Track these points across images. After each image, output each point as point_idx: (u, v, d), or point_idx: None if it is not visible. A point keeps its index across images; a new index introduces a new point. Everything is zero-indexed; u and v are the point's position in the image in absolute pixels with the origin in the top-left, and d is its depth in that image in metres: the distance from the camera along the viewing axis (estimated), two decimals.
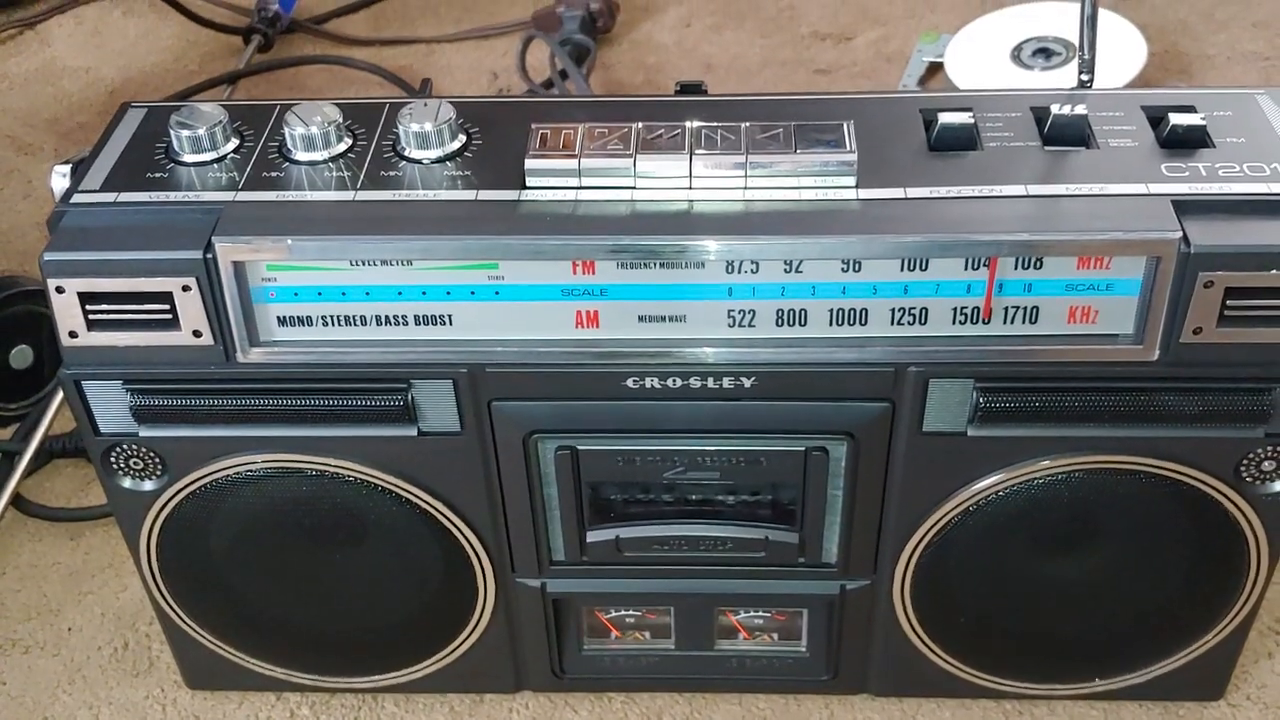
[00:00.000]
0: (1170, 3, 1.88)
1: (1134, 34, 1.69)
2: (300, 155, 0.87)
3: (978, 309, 0.83)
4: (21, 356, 1.36)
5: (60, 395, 1.32)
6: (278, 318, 0.86)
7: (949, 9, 1.90)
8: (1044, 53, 1.70)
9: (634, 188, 0.84)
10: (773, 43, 1.90)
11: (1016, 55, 1.71)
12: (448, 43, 1.95)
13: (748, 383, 0.87)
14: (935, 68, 1.79)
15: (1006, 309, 0.84)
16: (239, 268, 0.83)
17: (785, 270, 0.83)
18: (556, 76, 1.77)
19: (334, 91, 1.85)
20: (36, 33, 2.02)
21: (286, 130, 0.87)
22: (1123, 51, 1.66)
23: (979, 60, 1.74)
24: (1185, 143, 0.86)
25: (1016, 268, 0.82)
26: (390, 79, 1.84)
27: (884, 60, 1.84)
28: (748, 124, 0.85)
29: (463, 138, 0.88)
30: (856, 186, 0.83)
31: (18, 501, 1.28)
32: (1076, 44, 0.93)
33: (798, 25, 1.93)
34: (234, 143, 0.89)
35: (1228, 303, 0.81)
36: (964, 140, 0.86)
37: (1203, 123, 0.86)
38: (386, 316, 0.86)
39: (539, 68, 1.82)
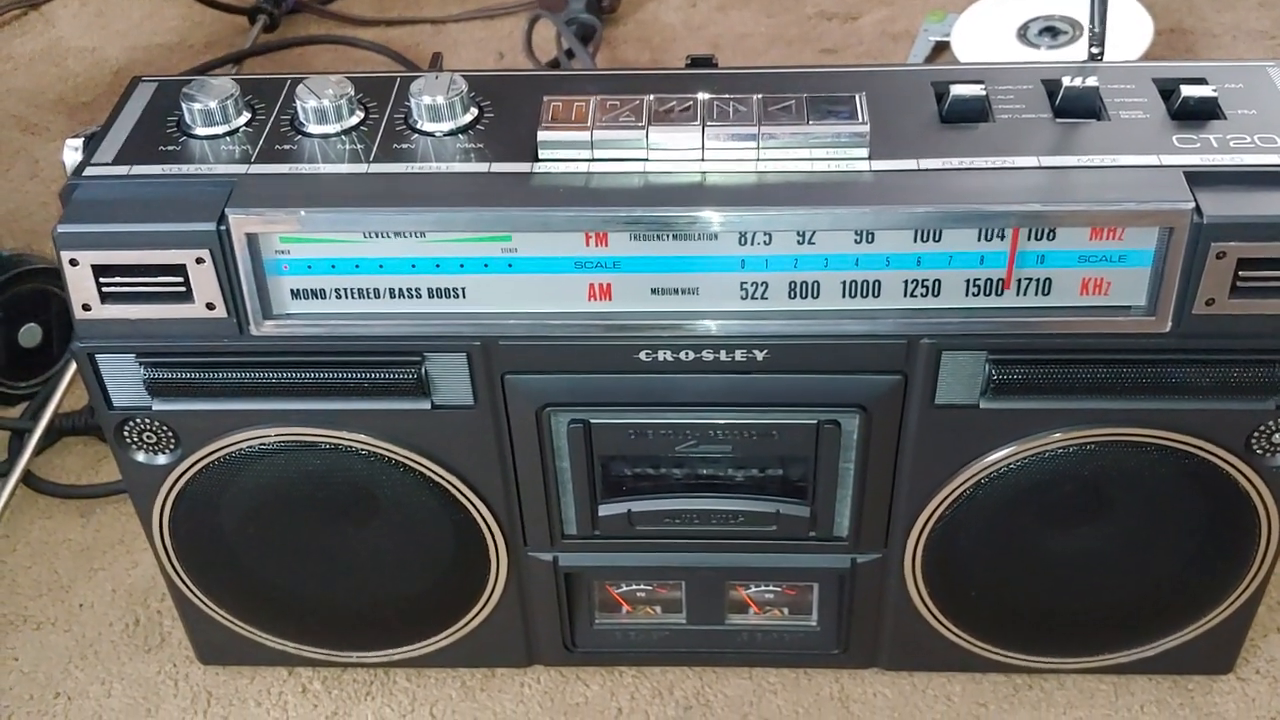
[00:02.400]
0: None
1: (1141, 12, 1.68)
2: (313, 128, 0.87)
3: (991, 280, 0.84)
4: (30, 335, 1.36)
5: (69, 373, 1.32)
6: (291, 290, 0.86)
7: None
8: (1050, 31, 1.69)
9: (646, 159, 0.84)
10: (779, 22, 1.90)
11: (1023, 34, 1.71)
12: (453, 22, 1.95)
13: (760, 355, 0.87)
14: (942, 47, 1.79)
15: (1020, 280, 0.84)
16: (252, 240, 0.83)
17: (798, 242, 0.83)
18: (563, 56, 1.77)
19: (340, 71, 1.85)
20: (41, 13, 2.02)
21: (298, 103, 0.87)
22: (1129, 30, 1.66)
23: (985, 39, 1.73)
24: (1197, 114, 0.86)
25: (1029, 239, 0.82)
26: (396, 59, 1.84)
27: (890, 40, 1.84)
28: (759, 96, 0.85)
29: (475, 111, 0.88)
30: (869, 158, 0.83)
31: (28, 479, 1.28)
32: (1082, 23, 0.93)
33: (804, 5, 1.93)
34: (246, 116, 0.89)
35: (1240, 274, 0.81)
36: (976, 112, 0.86)
37: (1214, 94, 0.86)
38: (400, 289, 0.86)
39: (545, 47, 1.82)
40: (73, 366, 1.29)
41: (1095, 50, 0.92)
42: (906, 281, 0.84)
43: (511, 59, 1.86)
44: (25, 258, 1.36)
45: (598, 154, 0.84)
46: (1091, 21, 0.92)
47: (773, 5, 1.93)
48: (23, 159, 1.73)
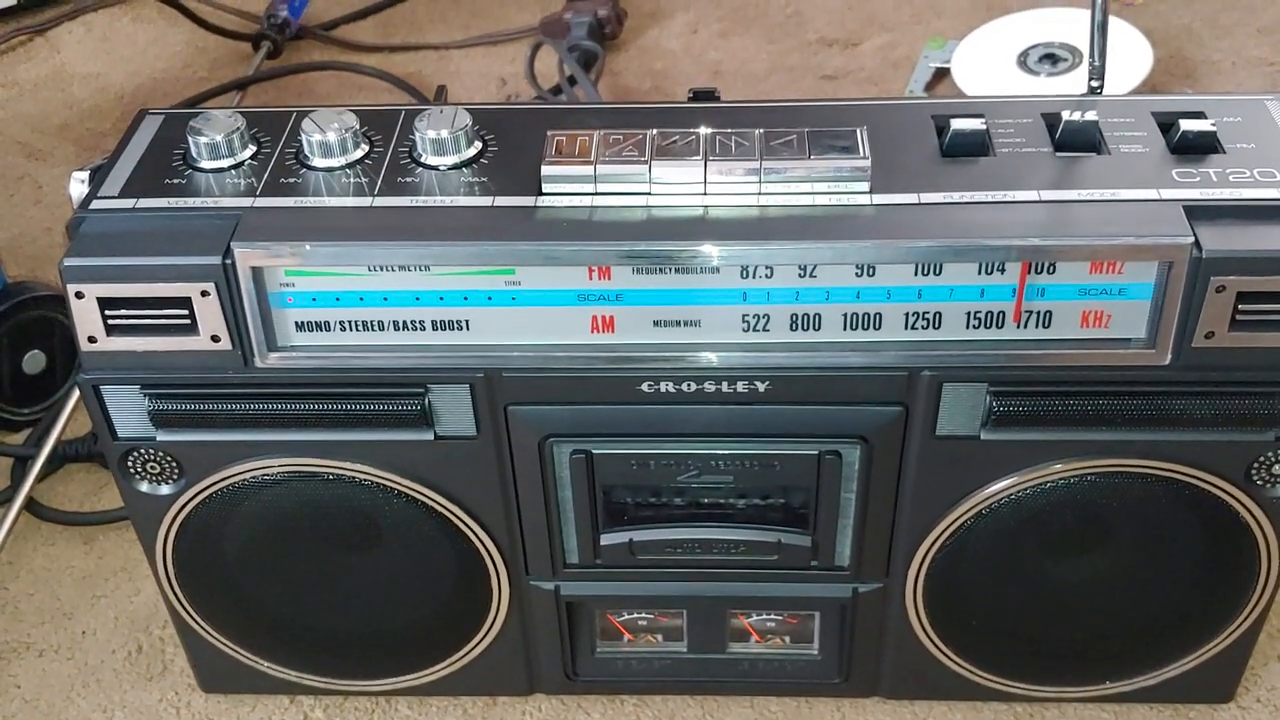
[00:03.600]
0: (1175, 9, 1.89)
1: (1140, 40, 1.69)
2: (317, 162, 0.88)
3: (991, 313, 0.84)
4: (34, 361, 1.36)
5: (73, 400, 1.32)
6: (295, 323, 0.86)
7: (955, 15, 1.91)
8: (1050, 58, 1.70)
9: (649, 193, 0.85)
10: (780, 48, 1.91)
11: (1023, 61, 1.72)
12: (456, 49, 1.96)
13: (762, 387, 0.88)
14: (942, 73, 1.80)
15: (1020, 313, 0.84)
16: (257, 273, 0.83)
17: (799, 275, 0.84)
18: (565, 83, 1.78)
19: (343, 97, 1.86)
20: (46, 39, 2.03)
21: (304, 137, 0.88)
22: (1129, 58, 1.67)
23: (985, 66, 1.74)
24: (1196, 148, 0.86)
25: (1030, 272, 0.82)
26: (399, 85, 1.85)
27: (891, 66, 1.85)
28: (761, 130, 0.86)
29: (479, 144, 0.89)
30: (870, 192, 0.84)
31: (31, 505, 1.28)
32: (1082, 50, 0.94)
33: (804, 31, 1.94)
34: (251, 149, 0.89)
35: (1239, 307, 0.82)
36: (976, 146, 0.87)
37: (1213, 128, 0.86)
38: (404, 322, 0.86)
39: (547, 74, 1.83)
40: (76, 393, 1.30)
41: (1095, 84, 0.93)
42: (907, 314, 0.85)
43: (514, 85, 1.87)
44: (29, 285, 1.36)
45: (601, 188, 0.85)
46: (1091, 55, 0.92)
47: (774, 31, 1.94)
48: (27, 185, 1.74)
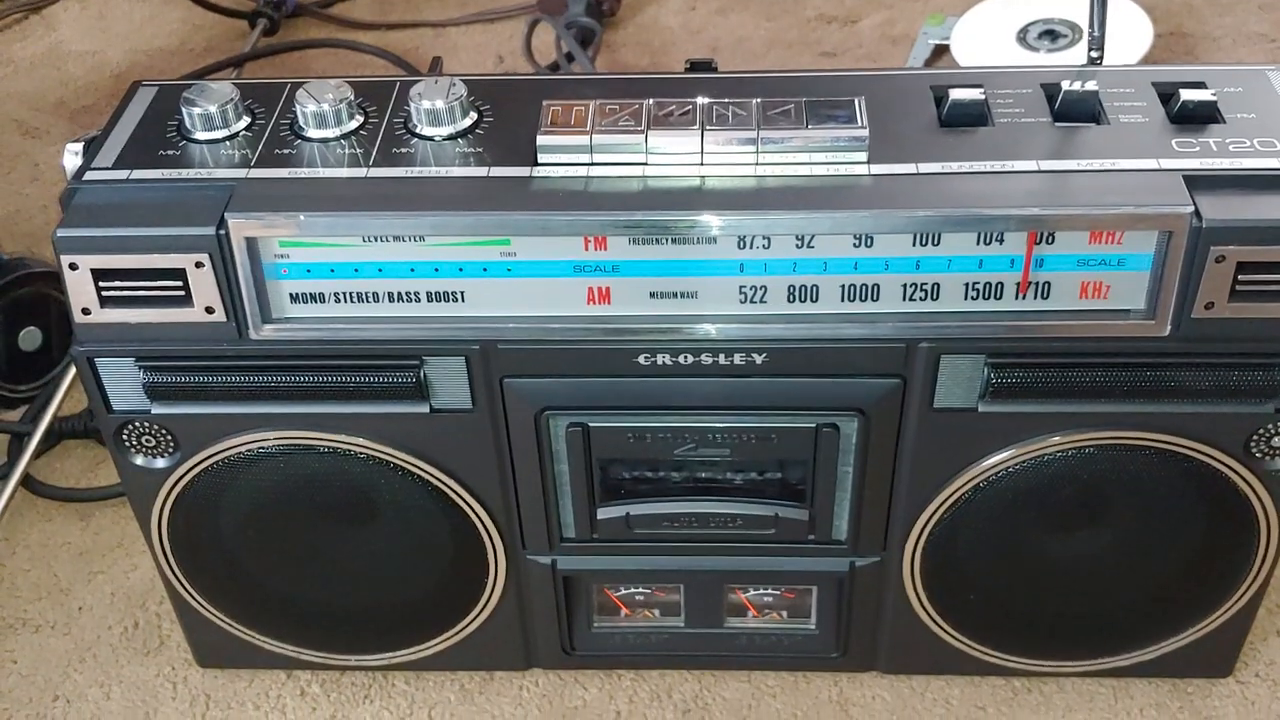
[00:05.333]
0: None
1: (1140, 16, 1.68)
2: (312, 132, 0.87)
3: (990, 284, 0.84)
4: (30, 338, 1.36)
5: (69, 376, 1.32)
6: (290, 294, 0.86)
7: None
8: (1050, 35, 1.70)
9: (646, 164, 0.84)
10: (778, 25, 1.90)
11: (1022, 37, 1.71)
12: (453, 26, 1.95)
13: (759, 359, 0.87)
14: (941, 50, 1.79)
15: (1018, 284, 0.84)
16: (252, 244, 0.83)
17: (797, 246, 0.83)
18: (562, 59, 1.78)
19: (340, 75, 1.85)
20: (42, 17, 2.02)
21: (298, 107, 0.88)
22: (1129, 33, 1.66)
23: (985, 43, 1.73)
24: (1196, 118, 0.86)
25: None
26: (396, 62, 1.84)
27: (890, 43, 1.84)
28: (758, 100, 0.85)
29: (474, 115, 0.88)
30: (868, 162, 0.83)
31: (27, 482, 1.28)
32: (1082, 26, 0.93)
33: (803, 8, 1.93)
34: (245, 120, 0.89)
35: (1239, 277, 0.81)
36: (975, 116, 0.86)
37: (1213, 98, 0.86)
38: (399, 293, 0.86)
39: (545, 51, 1.83)
40: (72, 370, 1.29)
41: (1094, 54, 0.92)
42: (905, 285, 0.84)
43: (511, 62, 1.86)
44: (25, 261, 1.36)
45: (597, 158, 0.84)
46: (1091, 25, 0.92)
47: (772, 8, 1.94)
48: (23, 162, 1.74)
